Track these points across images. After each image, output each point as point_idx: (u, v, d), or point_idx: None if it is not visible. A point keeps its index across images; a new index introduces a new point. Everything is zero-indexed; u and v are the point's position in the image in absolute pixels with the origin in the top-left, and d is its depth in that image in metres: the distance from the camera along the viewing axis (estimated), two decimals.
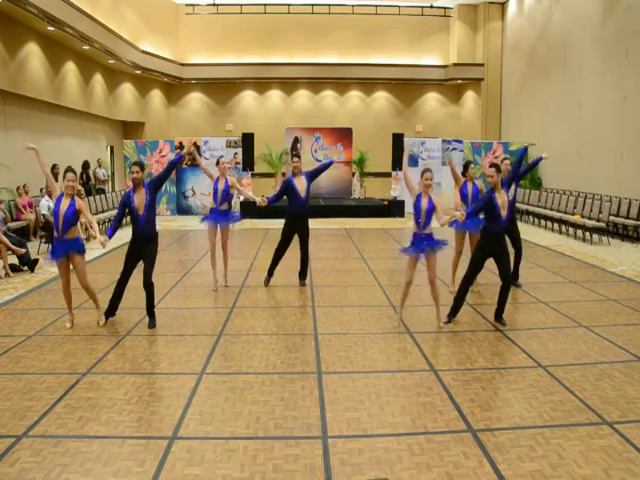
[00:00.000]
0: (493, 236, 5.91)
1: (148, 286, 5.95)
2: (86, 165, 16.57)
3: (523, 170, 7.93)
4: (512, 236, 7.57)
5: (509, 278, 5.99)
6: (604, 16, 14.01)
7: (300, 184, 7.70)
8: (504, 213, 5.85)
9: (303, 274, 8.01)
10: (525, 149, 7.96)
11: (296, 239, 7.88)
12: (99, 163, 17.42)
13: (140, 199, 5.96)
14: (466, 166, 7.53)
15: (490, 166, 5.88)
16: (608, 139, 13.74)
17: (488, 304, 6.80)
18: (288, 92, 23.07)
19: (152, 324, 6.02)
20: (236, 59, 21.94)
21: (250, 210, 15.50)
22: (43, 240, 10.92)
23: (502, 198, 5.86)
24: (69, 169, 5.95)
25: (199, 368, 4.86)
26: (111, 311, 6.20)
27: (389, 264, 9.63)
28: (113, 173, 20.09)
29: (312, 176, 7.84)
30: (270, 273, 7.93)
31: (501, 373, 4.79)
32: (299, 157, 7.90)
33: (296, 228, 7.80)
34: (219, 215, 7.67)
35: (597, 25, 14.33)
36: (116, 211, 6.45)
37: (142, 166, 6.03)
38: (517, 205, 16.18)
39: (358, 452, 3.50)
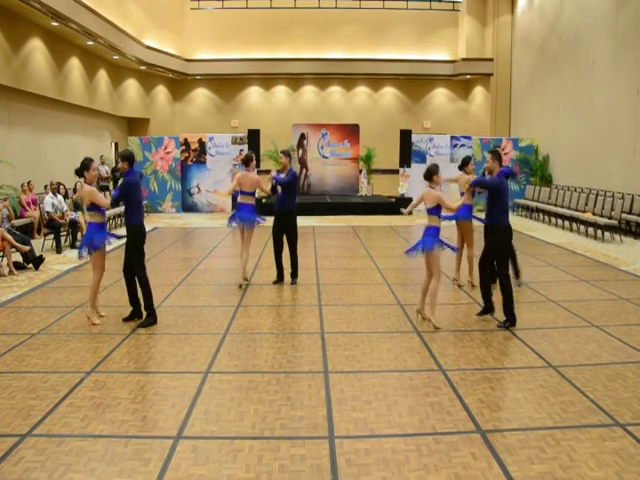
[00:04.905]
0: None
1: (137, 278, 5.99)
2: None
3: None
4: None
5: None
6: (616, 8, 13.81)
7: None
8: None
9: (293, 273, 7.94)
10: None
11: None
12: (102, 160, 17.43)
13: None
14: (467, 161, 7.52)
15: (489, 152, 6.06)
16: (621, 134, 13.54)
17: (496, 303, 6.72)
18: (294, 88, 22.98)
19: (144, 323, 5.94)
20: (242, 55, 21.88)
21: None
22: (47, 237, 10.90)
23: None
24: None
25: (204, 367, 4.82)
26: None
27: (397, 262, 9.55)
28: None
29: (294, 176, 7.76)
30: (278, 276, 7.91)
31: (510, 373, 4.72)
32: (284, 154, 7.85)
33: (281, 226, 7.76)
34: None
35: (609, 18, 14.13)
36: (123, 208, 6.46)
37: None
38: (527, 202, 16.19)
39: (365, 453, 3.45)
